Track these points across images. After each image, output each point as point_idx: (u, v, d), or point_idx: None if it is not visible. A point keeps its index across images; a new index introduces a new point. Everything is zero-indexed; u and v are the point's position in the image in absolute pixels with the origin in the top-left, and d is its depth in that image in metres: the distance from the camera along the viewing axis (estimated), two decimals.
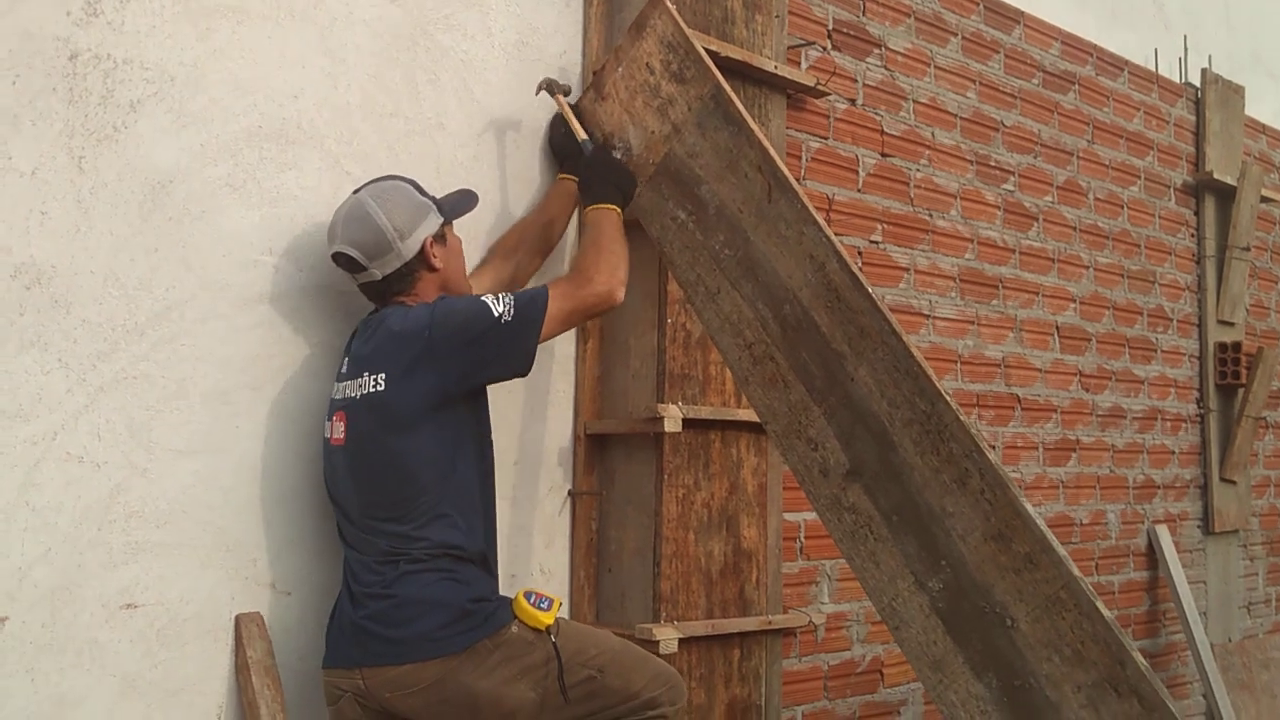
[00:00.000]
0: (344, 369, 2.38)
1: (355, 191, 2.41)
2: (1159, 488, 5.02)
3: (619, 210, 2.65)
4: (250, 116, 2.43)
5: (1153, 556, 4.94)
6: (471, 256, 2.66)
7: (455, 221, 2.54)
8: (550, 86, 2.83)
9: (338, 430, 2.34)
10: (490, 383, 2.40)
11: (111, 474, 2.21)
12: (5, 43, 2.12)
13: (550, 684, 2.27)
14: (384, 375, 2.27)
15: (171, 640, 2.28)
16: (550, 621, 2.30)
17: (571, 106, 2.84)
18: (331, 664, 2.31)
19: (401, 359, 2.27)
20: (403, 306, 2.37)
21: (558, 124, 2.89)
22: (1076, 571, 2.11)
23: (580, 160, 2.78)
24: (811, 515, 3.36)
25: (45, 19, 2.17)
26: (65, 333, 2.17)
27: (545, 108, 2.94)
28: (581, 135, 2.78)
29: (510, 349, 2.34)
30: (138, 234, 2.27)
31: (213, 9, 2.38)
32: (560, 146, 2.91)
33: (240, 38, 2.42)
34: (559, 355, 2.97)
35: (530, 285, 2.78)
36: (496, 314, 2.30)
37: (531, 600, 2.30)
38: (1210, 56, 5.50)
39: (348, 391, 2.33)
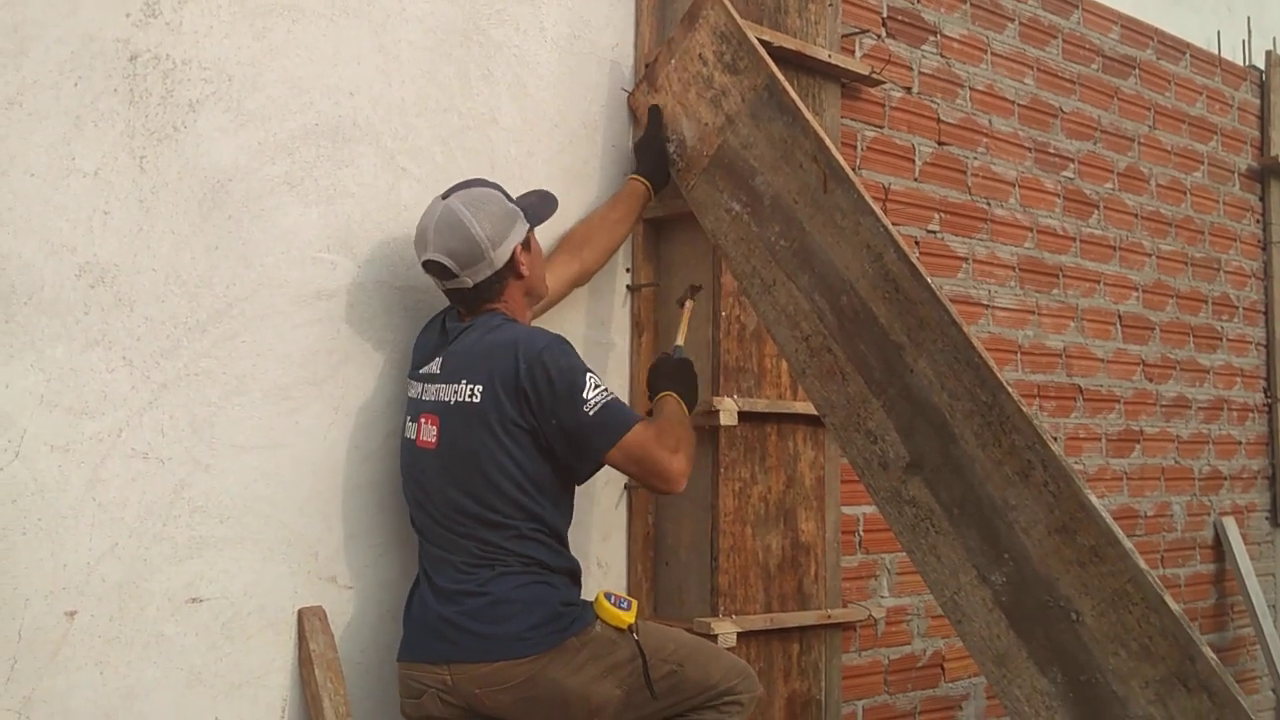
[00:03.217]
0: (432, 368, 2.37)
1: (444, 197, 2.39)
2: (1225, 479, 4.92)
3: (688, 409, 2.55)
4: (307, 114, 2.45)
5: (1219, 549, 4.85)
6: None
7: None
8: (690, 294, 2.81)
9: (428, 433, 2.33)
10: (548, 446, 2.30)
11: (175, 470, 2.24)
12: (67, 45, 2.15)
13: (634, 680, 2.30)
14: (481, 388, 2.27)
15: (236, 634, 2.31)
16: (632, 620, 2.33)
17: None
18: (414, 658, 2.31)
19: (498, 381, 2.26)
20: (502, 316, 2.38)
21: (653, 125, 2.83)
22: (1143, 564, 2.07)
23: (664, 355, 2.69)
24: (870, 508, 3.33)
25: (105, 21, 2.20)
26: (129, 330, 2.20)
27: (599, 102, 2.94)
28: (679, 342, 2.72)
29: (574, 434, 2.27)
30: (198, 232, 2.29)
31: (269, 8, 2.40)
32: (643, 147, 2.86)
33: (296, 36, 2.44)
34: (615, 349, 2.96)
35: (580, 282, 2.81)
36: (586, 396, 2.24)
37: (612, 600, 2.34)
38: (1275, 39, 5.38)
39: (442, 395, 2.32)
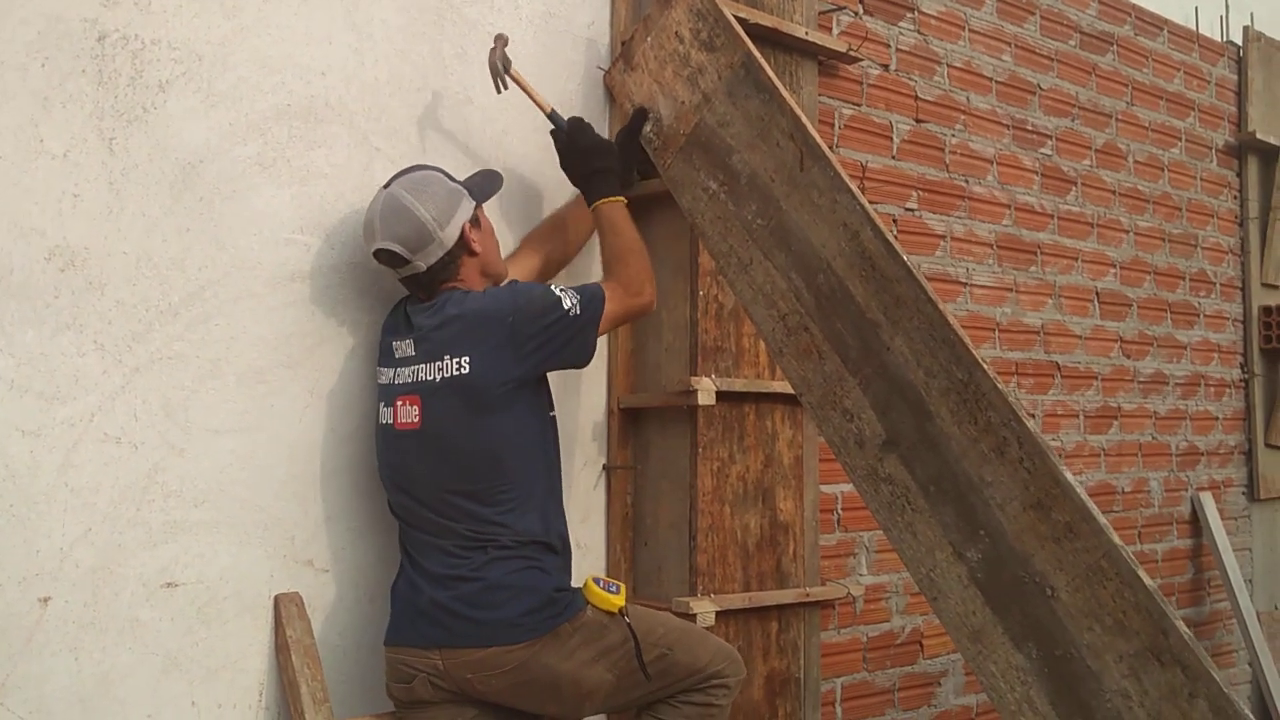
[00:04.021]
0: (405, 350, 2.36)
1: (385, 186, 2.39)
2: (1202, 454, 4.95)
3: (625, 200, 2.61)
4: (278, 94, 2.42)
5: (1196, 524, 4.88)
6: (500, 230, 2.65)
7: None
8: (501, 66, 2.60)
9: (408, 415, 2.33)
10: (556, 369, 2.44)
11: (149, 454, 2.23)
12: (33, 25, 2.12)
13: (625, 664, 2.32)
14: (468, 358, 2.28)
15: (212, 618, 2.30)
16: (622, 603, 2.36)
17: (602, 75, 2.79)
18: (404, 642, 2.31)
19: (486, 341, 2.29)
20: (464, 291, 2.38)
21: (635, 123, 2.74)
22: (1117, 540, 2.08)
23: (559, 133, 2.65)
24: (848, 487, 3.34)
25: (72, 0, 2.16)
26: (100, 314, 2.18)
27: (575, 80, 2.92)
28: (547, 107, 2.67)
29: (576, 340, 2.39)
30: (169, 214, 2.27)
31: None
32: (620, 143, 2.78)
33: (267, 15, 2.41)
34: None
35: (558, 280, 2.78)
36: (566, 306, 2.35)
37: (601, 585, 2.36)
38: (1252, 14, 5.39)
39: (422, 375, 2.32)
